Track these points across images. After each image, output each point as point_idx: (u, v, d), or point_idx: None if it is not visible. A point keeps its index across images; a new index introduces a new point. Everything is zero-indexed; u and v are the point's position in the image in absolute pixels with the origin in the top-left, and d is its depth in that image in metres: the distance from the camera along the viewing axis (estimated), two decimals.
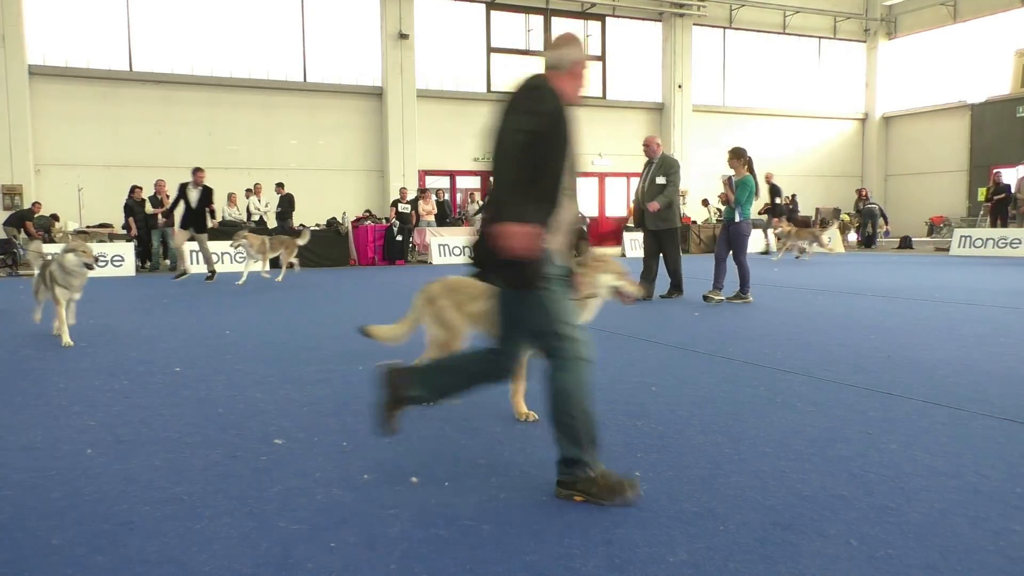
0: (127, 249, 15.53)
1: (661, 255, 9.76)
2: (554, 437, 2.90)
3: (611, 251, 21.16)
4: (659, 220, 9.51)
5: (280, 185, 18.20)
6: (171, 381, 5.10)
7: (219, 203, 17.94)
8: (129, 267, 15.15)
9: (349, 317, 8.38)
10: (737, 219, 9.00)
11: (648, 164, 9.66)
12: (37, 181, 18.68)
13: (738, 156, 9.01)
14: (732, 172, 9.21)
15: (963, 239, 18.84)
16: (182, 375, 5.29)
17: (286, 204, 18.00)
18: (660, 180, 9.43)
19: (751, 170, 9.05)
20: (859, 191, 24.49)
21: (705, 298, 9.10)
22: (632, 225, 18.80)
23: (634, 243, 19.00)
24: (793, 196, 24.49)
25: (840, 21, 27.97)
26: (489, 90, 23.52)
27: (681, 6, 25.09)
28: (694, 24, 25.68)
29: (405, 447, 3.57)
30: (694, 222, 21.99)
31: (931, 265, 15.20)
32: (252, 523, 2.71)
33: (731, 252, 9.17)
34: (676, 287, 9.72)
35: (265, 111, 20.80)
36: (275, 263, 13.55)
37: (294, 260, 13.55)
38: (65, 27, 19.08)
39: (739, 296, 9.01)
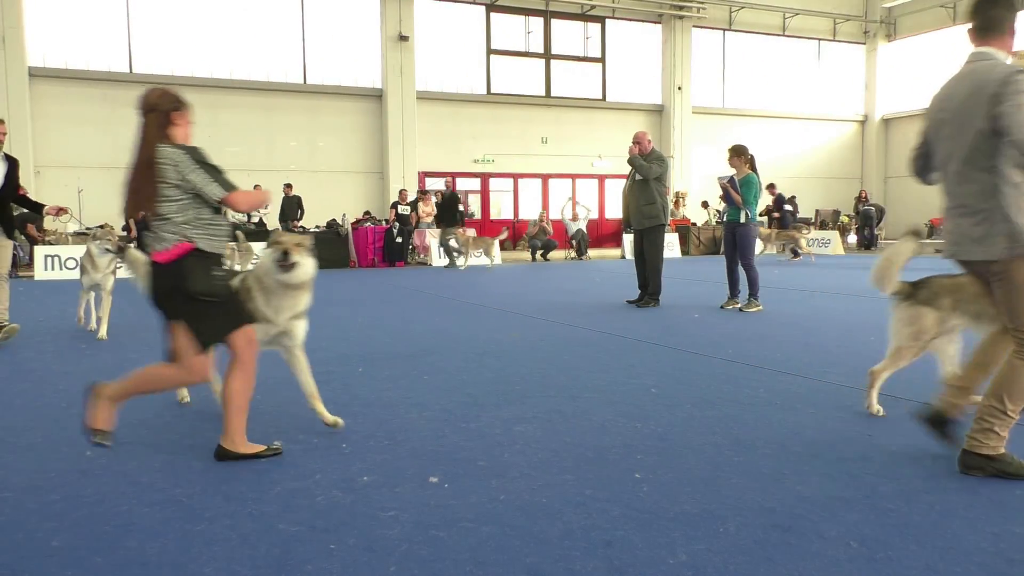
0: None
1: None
2: None
3: (611, 253, 21.18)
4: (643, 218, 9.09)
5: (288, 186, 18.21)
6: None
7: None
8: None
9: (349, 319, 8.38)
10: (743, 220, 8.59)
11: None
12: (37, 183, 18.66)
13: (739, 154, 8.66)
14: (730, 172, 8.98)
15: None
16: None
17: (293, 206, 18.01)
18: (640, 177, 9.02)
19: (753, 168, 8.68)
20: (861, 192, 24.53)
21: (722, 307, 8.72)
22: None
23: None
24: (792, 198, 24.52)
25: (840, 23, 27.99)
26: (489, 92, 23.54)
27: (681, 8, 25.12)
28: (694, 26, 25.70)
29: (404, 449, 3.57)
30: (694, 223, 22.00)
31: (931, 267, 15.20)
32: (251, 525, 2.71)
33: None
34: (652, 295, 9.07)
35: (265, 113, 20.82)
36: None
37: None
38: (65, 29, 19.10)
39: (750, 303, 8.52)
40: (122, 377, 3.44)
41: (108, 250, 7.16)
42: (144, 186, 3.27)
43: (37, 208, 7.44)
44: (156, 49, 19.83)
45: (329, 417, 3.88)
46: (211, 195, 3.24)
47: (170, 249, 3.24)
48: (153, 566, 2.40)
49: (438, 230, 17.84)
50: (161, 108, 3.32)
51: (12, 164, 6.88)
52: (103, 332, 7.02)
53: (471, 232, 18.02)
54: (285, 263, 3.64)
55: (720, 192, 9.07)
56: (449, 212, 17.36)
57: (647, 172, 9.02)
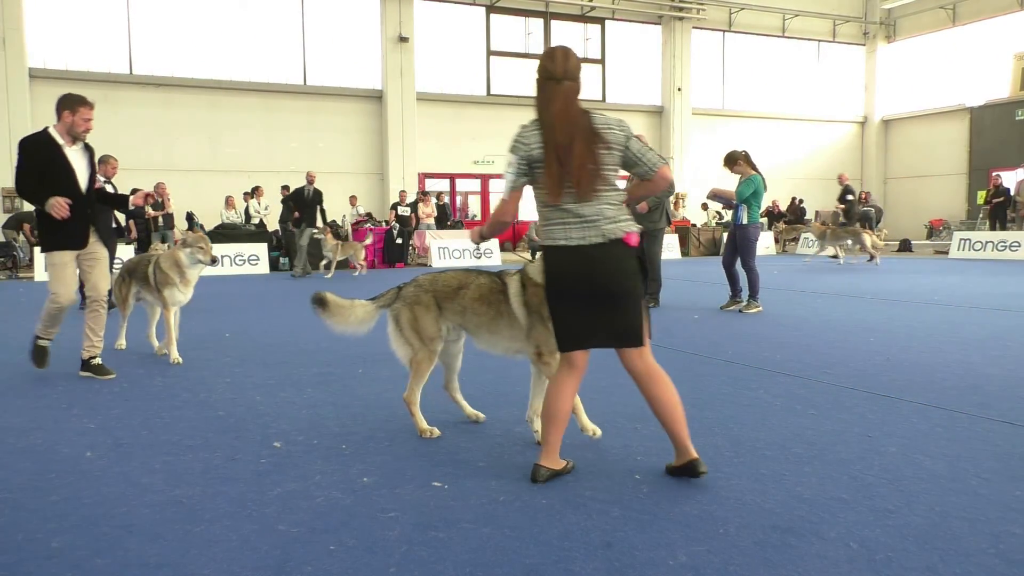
0: (127, 252, 15.52)
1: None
2: None
3: None
4: (642, 220, 9.16)
5: (285, 188, 18.23)
6: (170, 384, 5.09)
7: (209, 205, 18.03)
8: None
9: None
10: (743, 222, 8.52)
11: None
12: None
13: (734, 160, 8.59)
14: (713, 189, 9.02)
15: (962, 242, 18.85)
16: (182, 378, 5.29)
17: (290, 208, 17.99)
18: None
19: (753, 166, 8.58)
20: (862, 194, 24.54)
21: (722, 308, 8.74)
22: None
23: None
24: (793, 199, 24.52)
25: (839, 24, 28.01)
26: (489, 93, 23.55)
27: (681, 9, 25.13)
28: (693, 27, 25.72)
29: (404, 450, 3.57)
30: (693, 224, 22.01)
31: (930, 268, 15.21)
32: (251, 526, 2.71)
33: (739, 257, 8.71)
34: (652, 294, 9.05)
35: (265, 114, 20.83)
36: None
37: None
38: (65, 30, 19.11)
39: (749, 304, 8.50)
40: (549, 433, 3.15)
41: (201, 261, 5.98)
42: (595, 156, 2.96)
43: (122, 202, 6.08)
44: (156, 50, 19.85)
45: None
46: (651, 164, 3.01)
47: (634, 234, 3.04)
48: (153, 567, 2.40)
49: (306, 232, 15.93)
50: (579, 78, 3.06)
51: (91, 153, 5.53)
52: (176, 354, 5.96)
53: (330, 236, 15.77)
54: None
55: (717, 206, 9.08)
56: (310, 210, 15.41)
57: (663, 196, 9.02)
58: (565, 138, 2.96)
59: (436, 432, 3.80)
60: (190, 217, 17.91)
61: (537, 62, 3.09)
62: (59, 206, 5.02)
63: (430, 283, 3.81)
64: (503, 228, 3.38)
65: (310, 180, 15.32)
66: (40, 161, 5.17)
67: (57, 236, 5.21)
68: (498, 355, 3.80)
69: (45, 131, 5.31)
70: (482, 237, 3.44)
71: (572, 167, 2.95)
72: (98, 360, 5.45)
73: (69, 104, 5.22)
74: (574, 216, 3.01)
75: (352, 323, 3.89)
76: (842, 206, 18.43)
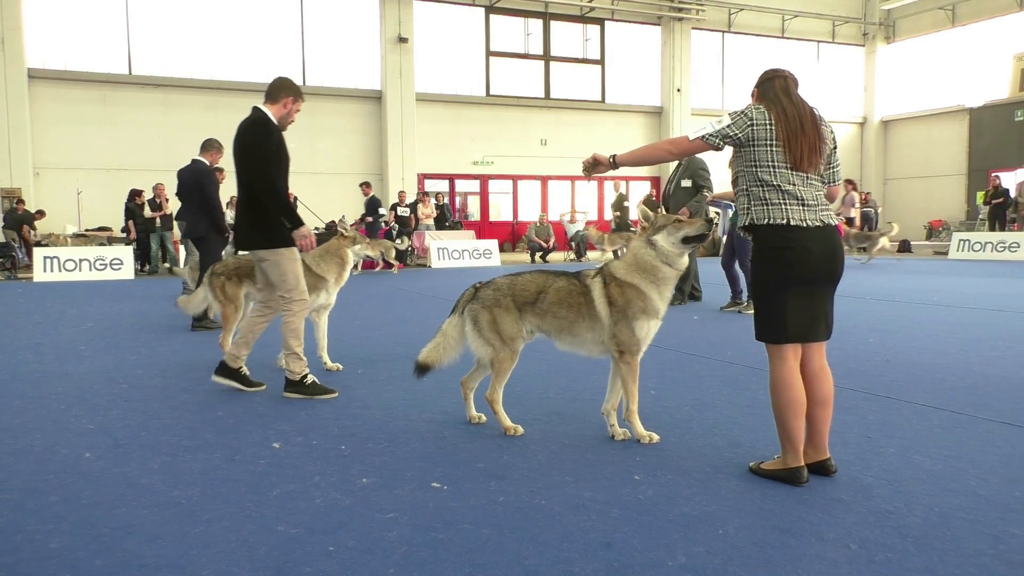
0: (126, 252, 15.55)
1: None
2: None
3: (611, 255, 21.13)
4: None
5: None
6: (169, 384, 5.09)
7: None
8: (128, 270, 15.18)
9: (347, 320, 8.38)
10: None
11: (677, 166, 9.15)
12: (36, 184, 18.69)
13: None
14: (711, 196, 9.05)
15: (962, 243, 18.85)
16: (180, 378, 5.28)
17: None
18: (686, 183, 8.87)
19: None
20: (862, 195, 24.56)
21: (721, 309, 8.77)
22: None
23: None
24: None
25: (839, 25, 28.03)
26: (488, 94, 23.55)
27: (680, 10, 25.15)
28: (693, 28, 25.73)
29: (404, 451, 3.57)
30: None
31: (930, 269, 15.21)
32: (250, 527, 2.71)
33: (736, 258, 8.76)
34: (680, 292, 9.31)
35: None
36: None
37: None
38: (64, 30, 19.11)
39: (749, 305, 8.44)
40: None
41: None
42: (822, 140, 3.13)
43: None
44: (155, 50, 19.85)
45: (626, 431, 3.73)
46: (838, 175, 3.31)
47: (841, 224, 3.17)
48: (152, 568, 2.40)
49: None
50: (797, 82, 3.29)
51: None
52: (330, 360, 5.53)
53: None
54: (707, 234, 3.49)
55: (714, 211, 9.07)
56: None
57: (701, 199, 8.97)
58: (804, 117, 3.09)
59: (520, 430, 3.79)
60: None
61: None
62: (311, 238, 4.64)
63: (508, 286, 3.81)
64: (651, 161, 3.38)
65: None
66: (274, 145, 4.65)
67: (283, 231, 4.60)
68: (583, 356, 3.83)
69: (264, 113, 4.76)
70: (614, 165, 3.34)
71: (803, 148, 3.04)
72: (310, 376, 4.75)
73: (295, 91, 4.81)
74: (795, 199, 3.06)
75: (457, 345, 3.89)
76: (617, 213, 19.33)
